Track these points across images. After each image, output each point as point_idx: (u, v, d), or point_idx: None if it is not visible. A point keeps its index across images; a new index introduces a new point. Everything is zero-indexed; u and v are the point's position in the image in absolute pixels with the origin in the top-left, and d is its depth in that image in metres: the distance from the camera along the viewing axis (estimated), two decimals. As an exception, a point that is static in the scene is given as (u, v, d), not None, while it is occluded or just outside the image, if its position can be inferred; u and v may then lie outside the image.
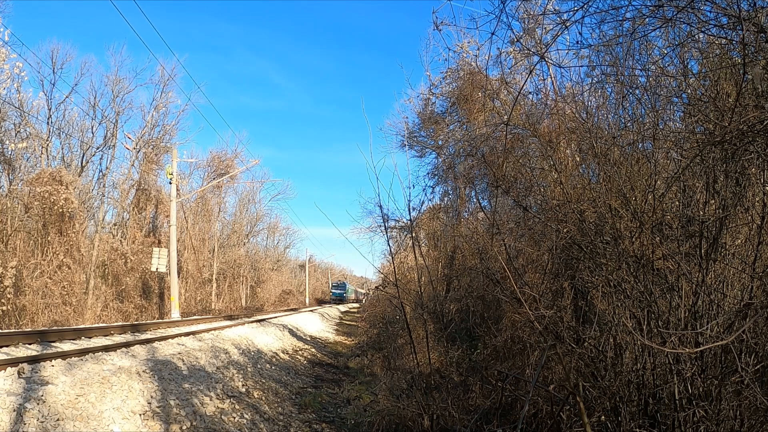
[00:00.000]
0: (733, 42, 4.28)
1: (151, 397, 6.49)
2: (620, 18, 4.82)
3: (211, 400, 7.40)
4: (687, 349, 3.98)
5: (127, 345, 8.79)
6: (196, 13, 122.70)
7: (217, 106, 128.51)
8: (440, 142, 17.65)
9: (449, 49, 14.97)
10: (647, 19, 4.57)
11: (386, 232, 12.31)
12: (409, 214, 10.11)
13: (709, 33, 4.53)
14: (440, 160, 17.49)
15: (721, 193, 4.56)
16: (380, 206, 13.57)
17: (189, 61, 76.86)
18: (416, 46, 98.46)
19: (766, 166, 4.27)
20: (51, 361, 6.58)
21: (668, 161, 5.49)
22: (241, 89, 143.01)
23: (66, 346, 8.96)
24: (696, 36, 4.86)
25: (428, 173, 17.58)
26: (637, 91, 5.74)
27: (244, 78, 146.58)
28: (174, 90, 37.22)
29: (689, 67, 5.44)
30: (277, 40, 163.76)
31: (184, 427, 6.19)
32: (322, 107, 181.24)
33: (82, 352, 7.57)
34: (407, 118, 20.33)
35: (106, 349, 8.15)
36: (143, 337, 11.10)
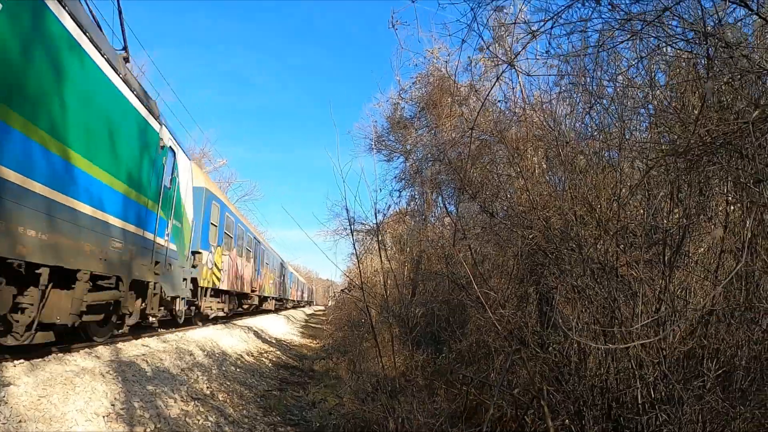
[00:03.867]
0: (699, 56, 4.40)
1: (115, 398, 6.38)
2: (589, 29, 4.93)
3: (175, 402, 7.30)
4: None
5: (90, 345, 8.62)
6: (173, 6, 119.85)
7: (186, 103, 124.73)
8: (408, 147, 17.72)
9: (417, 55, 15.09)
10: (616, 32, 4.67)
11: (352, 236, 12.29)
12: (376, 217, 10.12)
13: (676, 47, 4.66)
14: (408, 164, 17.55)
15: (685, 202, 4.68)
16: (347, 209, 13.56)
17: (160, 56, 75.48)
18: (387, 50, 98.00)
19: (729, 177, 4.40)
20: (13, 361, 6.43)
21: (633, 170, 5.62)
22: (216, 86, 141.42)
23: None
24: (663, 49, 4.99)
25: (395, 177, 17.61)
26: (604, 101, 5.86)
27: (218, 74, 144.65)
28: (142, 85, 36.72)
29: (656, 78, 5.59)
30: (257, 37, 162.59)
31: (148, 430, 6.09)
32: (293, 107, 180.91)
33: (45, 353, 7.42)
34: (376, 121, 20.35)
35: (70, 350, 8.00)
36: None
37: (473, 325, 8.58)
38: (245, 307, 27.48)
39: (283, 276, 45.48)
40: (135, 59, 36.27)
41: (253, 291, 27.29)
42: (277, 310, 39.64)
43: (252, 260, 27.21)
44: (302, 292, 75.09)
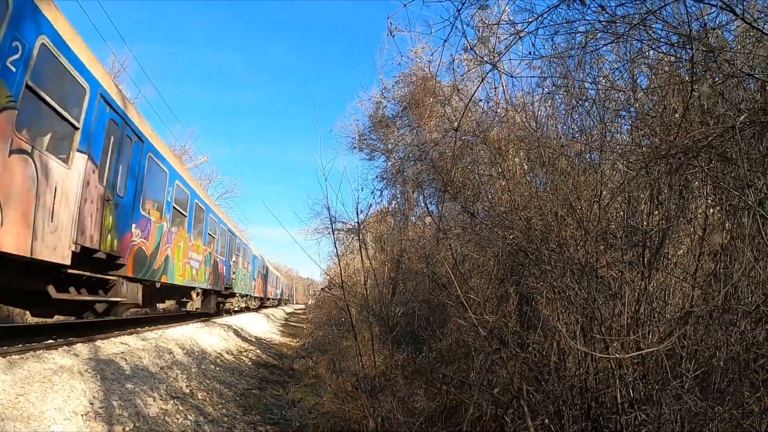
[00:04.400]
0: (683, 60, 4.45)
1: (94, 397, 6.32)
2: (573, 31, 4.95)
3: (154, 400, 7.24)
4: (628, 354, 4.11)
5: (69, 343, 8.49)
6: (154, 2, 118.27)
7: (168, 99, 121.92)
8: (390, 146, 17.76)
9: (401, 55, 15.10)
10: (599, 34, 4.71)
11: (333, 234, 12.31)
12: (357, 216, 10.10)
13: (660, 50, 4.70)
14: (389, 163, 17.58)
15: (665, 204, 4.72)
16: (328, 208, 13.66)
17: (142, 52, 74.45)
18: (371, 49, 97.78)
19: (709, 180, 4.45)
20: (-10, 359, 6.30)
21: (614, 172, 5.65)
22: (196, 81, 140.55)
23: (6, 343, 8.40)
24: (646, 52, 5.03)
25: (377, 176, 17.63)
26: (586, 103, 5.89)
27: (201, 72, 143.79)
28: (125, 82, 36.30)
29: (638, 82, 5.64)
30: (239, 33, 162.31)
31: (127, 428, 6.04)
32: (278, 103, 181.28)
33: (23, 350, 7.32)
34: (358, 120, 20.47)
35: (48, 347, 7.86)
36: (85, 335, 10.74)
37: (453, 325, 8.60)
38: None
39: (241, 259, 28.66)
40: (117, 55, 35.82)
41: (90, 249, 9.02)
42: (233, 311, 27.16)
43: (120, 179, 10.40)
44: (280, 290, 63.72)
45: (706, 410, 3.70)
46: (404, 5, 5.22)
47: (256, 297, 37.02)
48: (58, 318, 10.18)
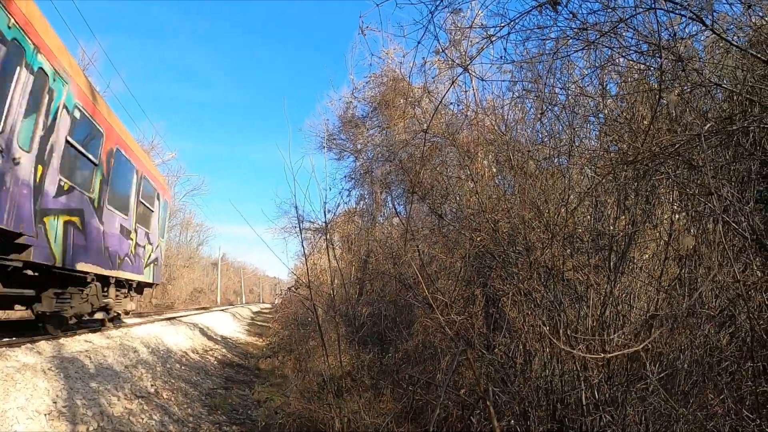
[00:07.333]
0: (651, 68, 4.53)
1: (57, 396, 6.18)
2: (545, 37, 5.00)
3: (119, 400, 7.12)
4: (595, 356, 4.17)
5: (32, 341, 8.30)
6: None
7: (136, 94, 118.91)
8: (359, 146, 17.74)
9: (373, 55, 15.10)
10: (570, 40, 4.76)
11: (301, 233, 12.20)
12: (325, 216, 10.08)
13: (629, 58, 4.77)
14: (358, 163, 17.57)
15: (631, 210, 4.80)
16: (296, 207, 13.67)
17: (111, 44, 72.91)
18: (342, 48, 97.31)
19: (675, 187, 4.53)
20: (-48, 357, 6.13)
21: (582, 177, 5.72)
22: (167, 77, 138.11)
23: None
24: (616, 60, 5.10)
25: (345, 176, 17.64)
26: (555, 108, 5.94)
27: (169, 65, 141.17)
28: (93, 75, 35.66)
29: (607, 88, 5.71)
30: (208, 28, 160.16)
31: (91, 428, 5.93)
32: (246, 100, 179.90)
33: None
34: (328, 120, 20.46)
35: (10, 345, 7.69)
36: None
37: (420, 326, 8.62)
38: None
39: None
40: (86, 48, 35.10)
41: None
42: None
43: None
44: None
45: (670, 412, 3.78)
46: (377, 5, 5.21)
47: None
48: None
